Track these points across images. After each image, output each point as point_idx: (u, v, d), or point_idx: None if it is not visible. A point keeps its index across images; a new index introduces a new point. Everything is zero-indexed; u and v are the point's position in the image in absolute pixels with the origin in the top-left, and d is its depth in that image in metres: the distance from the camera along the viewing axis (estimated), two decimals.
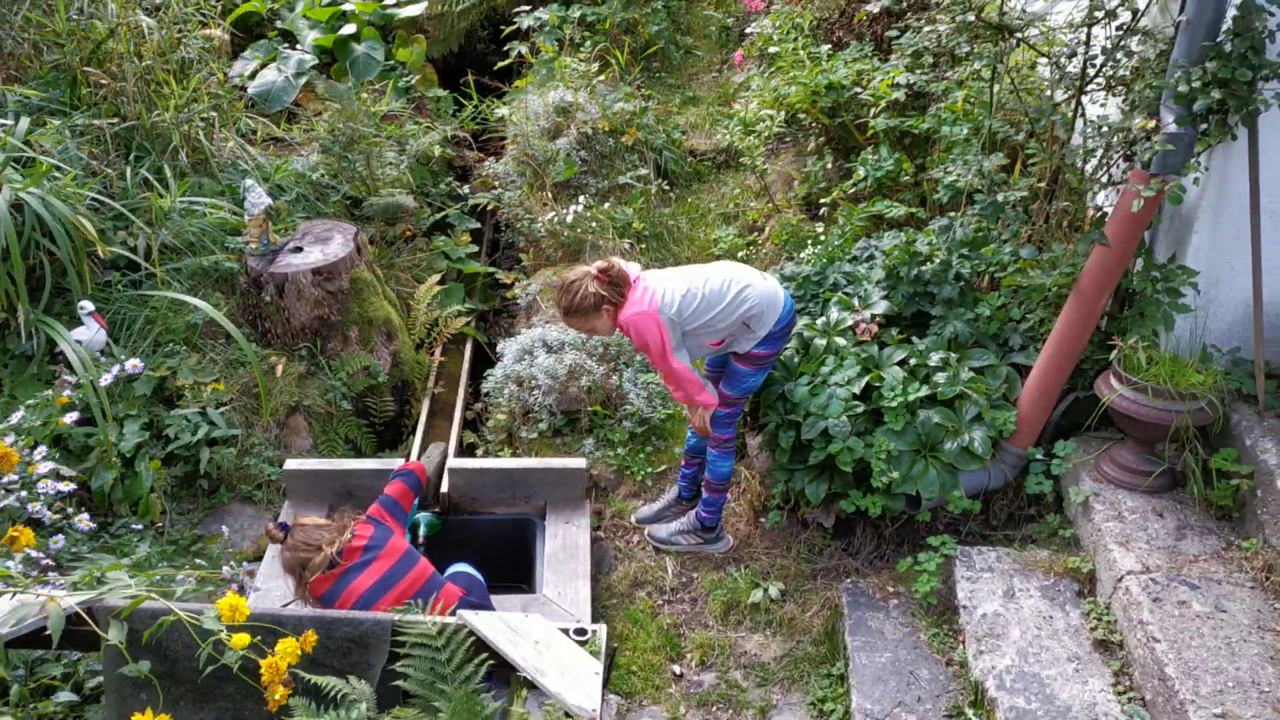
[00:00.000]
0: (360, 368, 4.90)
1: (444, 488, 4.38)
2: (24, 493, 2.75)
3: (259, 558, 4.30)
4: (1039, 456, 4.08)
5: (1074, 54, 4.07)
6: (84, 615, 2.55)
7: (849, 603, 3.87)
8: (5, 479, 2.79)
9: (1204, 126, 3.60)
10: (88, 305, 4.36)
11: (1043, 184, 4.44)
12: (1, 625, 2.30)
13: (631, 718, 3.69)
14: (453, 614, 3.09)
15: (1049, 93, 4.38)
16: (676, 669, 3.91)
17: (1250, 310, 3.89)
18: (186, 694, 3.04)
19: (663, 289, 3.85)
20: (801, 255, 4.75)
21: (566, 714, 2.81)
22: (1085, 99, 4.14)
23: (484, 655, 2.90)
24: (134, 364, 3.87)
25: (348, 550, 3.43)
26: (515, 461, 4.48)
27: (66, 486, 2.93)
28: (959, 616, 3.68)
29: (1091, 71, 4.04)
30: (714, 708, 3.73)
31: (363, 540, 3.46)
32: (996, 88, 4.48)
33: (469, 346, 5.71)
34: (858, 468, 3.98)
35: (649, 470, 4.75)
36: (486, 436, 4.98)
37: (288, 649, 2.35)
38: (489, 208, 6.10)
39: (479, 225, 6.49)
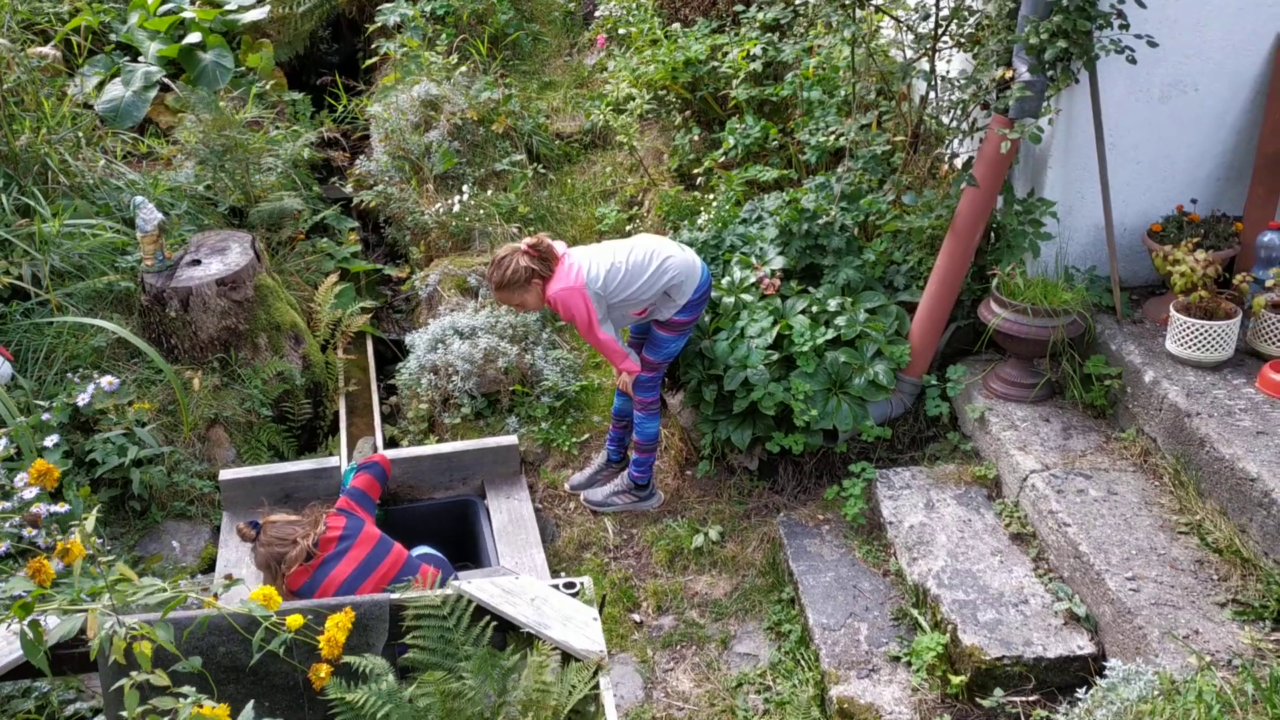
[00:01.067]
0: (275, 374, 4.92)
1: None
2: (16, 519, 2.75)
3: (205, 571, 4.31)
4: (933, 382, 4.51)
5: (928, 15, 4.49)
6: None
7: (786, 533, 4.20)
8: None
9: (1051, 73, 4.06)
10: None
11: (901, 138, 4.88)
12: (50, 640, 2.34)
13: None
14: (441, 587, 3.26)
15: (904, 53, 4.80)
16: (636, 617, 4.16)
17: (1101, 233, 4.42)
18: (190, 695, 3.10)
19: (588, 264, 4.09)
20: (699, 222, 5.03)
21: (576, 658, 3.03)
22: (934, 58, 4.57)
23: (486, 618, 3.08)
24: (109, 381, 3.83)
25: (323, 541, 3.53)
26: (450, 446, 4.62)
27: (62, 507, 2.93)
28: (886, 532, 4.07)
29: (940, 31, 4.47)
30: (678, 646, 4.00)
31: (336, 531, 3.57)
32: (858, 52, 4.86)
33: (370, 344, 5.77)
34: (778, 411, 4.31)
35: (573, 440, 4.96)
36: (407, 427, 5.08)
37: (340, 622, 2.48)
38: (369, 205, 6.14)
39: (357, 224, 6.52)
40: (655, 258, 4.12)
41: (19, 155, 5.10)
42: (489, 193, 5.98)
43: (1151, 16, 3.97)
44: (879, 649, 3.63)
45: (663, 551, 4.38)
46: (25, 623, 2.38)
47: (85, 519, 2.09)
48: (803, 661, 3.73)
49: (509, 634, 3.16)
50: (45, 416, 3.90)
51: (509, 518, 4.43)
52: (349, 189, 6.30)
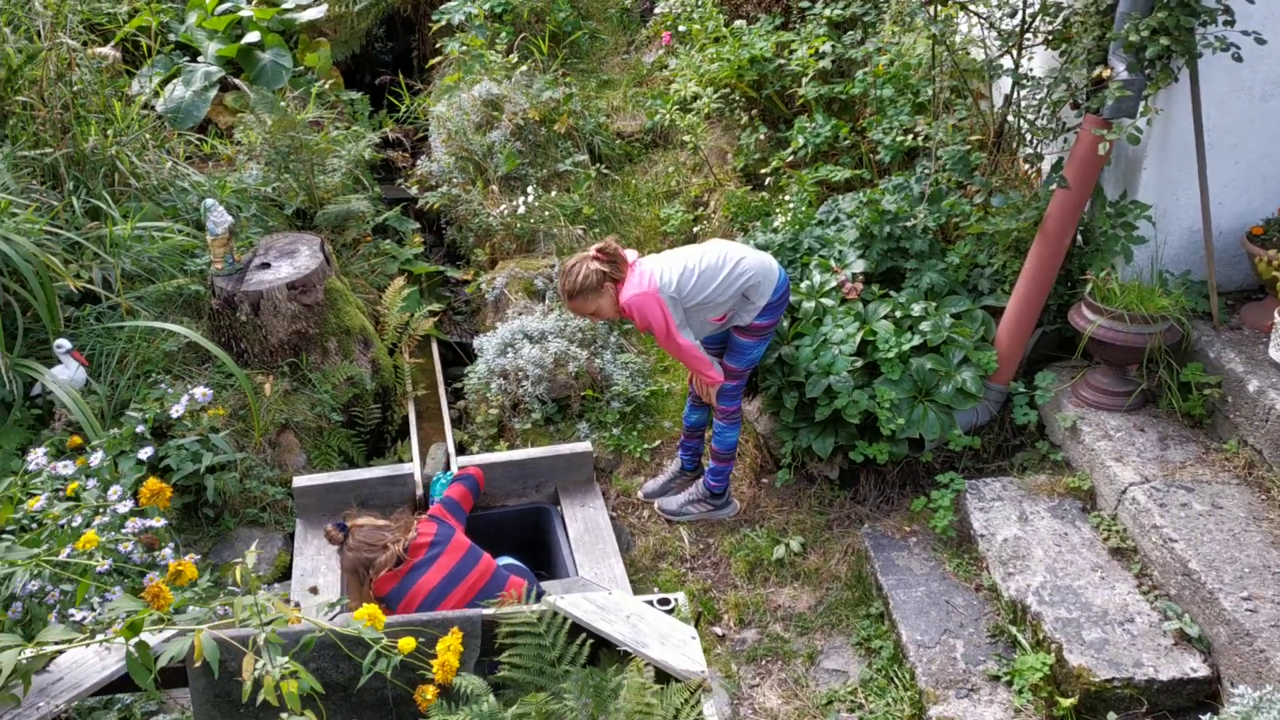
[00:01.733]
0: (345, 378, 4.87)
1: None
2: (112, 533, 2.70)
3: (279, 579, 4.26)
4: (1021, 390, 4.38)
5: (1014, 12, 4.36)
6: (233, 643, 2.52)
7: (872, 546, 4.10)
8: (96, 521, 2.73)
9: (1149, 72, 3.92)
10: (65, 344, 4.22)
11: (977, 138, 4.76)
12: (163, 659, 2.28)
13: None
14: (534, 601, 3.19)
15: (985, 51, 4.67)
16: (717, 630, 4.07)
17: (1195, 236, 4.28)
18: (274, 718, 3.05)
19: (660, 269, 4.00)
20: (774, 224, 4.93)
21: (675, 679, 2.94)
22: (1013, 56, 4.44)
23: (583, 636, 3.00)
24: (203, 392, 3.77)
25: (413, 547, 3.49)
26: (524, 452, 4.55)
27: (157, 521, 2.88)
28: (977, 545, 3.95)
29: (1026, 27, 4.33)
30: (763, 661, 3.91)
31: (427, 537, 3.53)
32: (941, 50, 4.73)
33: (435, 347, 5.71)
34: (862, 419, 4.20)
35: (644, 446, 4.88)
36: (476, 432, 5.01)
37: (452, 645, 2.41)
38: (433, 207, 6.08)
39: (418, 225, 6.46)
40: (728, 259, 4.01)
41: (87, 157, 5.07)
42: (553, 194, 5.90)
43: (1257, 12, 3.82)
44: (977, 667, 3.52)
45: (742, 562, 4.29)
46: (133, 643, 2.33)
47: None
48: (896, 679, 3.62)
49: (601, 651, 3.08)
50: (140, 429, 3.86)
51: (585, 526, 4.35)
52: (414, 190, 6.23)
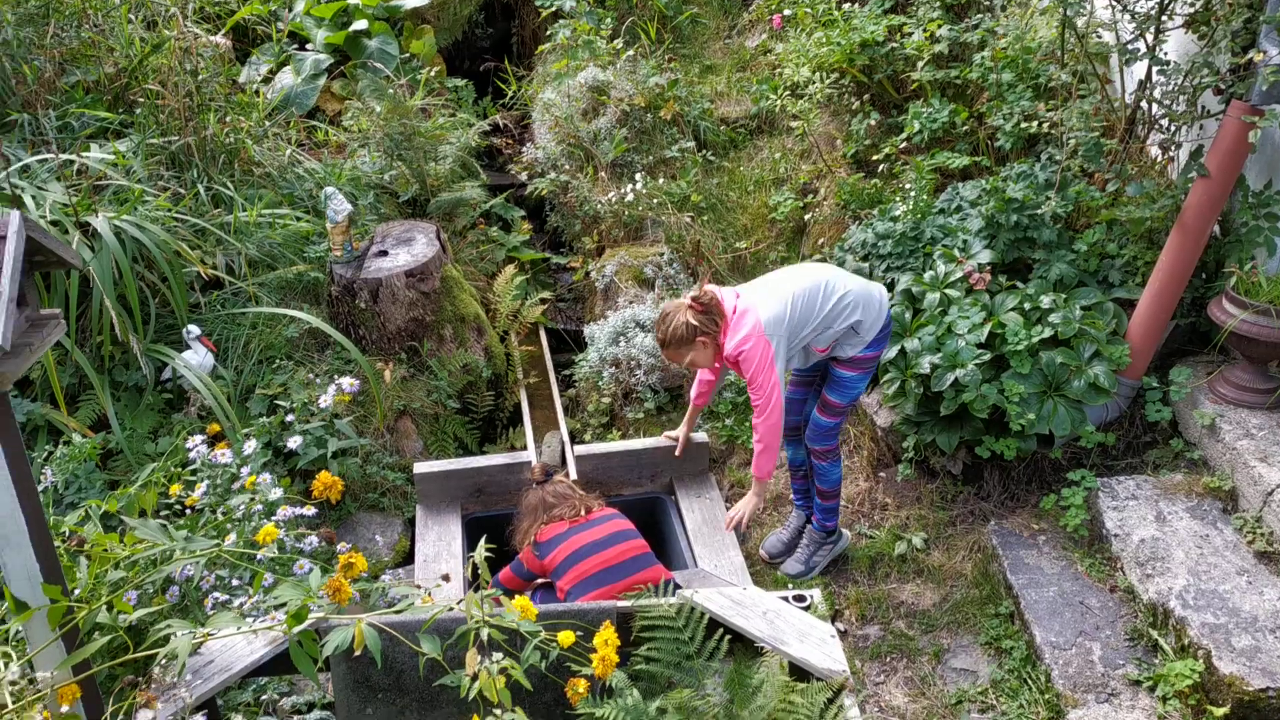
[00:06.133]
0: (461, 366, 4.90)
1: (572, 475, 4.42)
2: (264, 521, 2.74)
3: (401, 564, 4.31)
4: (1154, 385, 4.25)
5: None
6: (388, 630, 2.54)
7: (999, 543, 4.01)
8: (253, 509, 2.77)
9: None
10: (194, 329, 4.30)
11: (1101, 124, 4.60)
12: (327, 649, 2.30)
13: None
14: (670, 593, 3.18)
15: (1116, 35, 4.51)
16: (839, 626, 4.02)
17: None
18: (411, 704, 3.08)
19: (762, 307, 3.68)
20: (895, 212, 4.83)
21: (815, 676, 2.90)
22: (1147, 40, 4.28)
23: (720, 631, 2.98)
24: (350, 382, 3.83)
25: (588, 512, 3.77)
26: (639, 442, 4.53)
27: (309, 510, 2.93)
28: (1110, 545, 3.84)
29: (1163, 9, 4.17)
30: (888, 658, 3.85)
31: (600, 511, 3.79)
32: (1070, 32, 4.58)
33: (543, 335, 5.72)
34: (989, 414, 4.10)
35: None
36: (588, 421, 5.01)
37: (610, 639, 2.40)
38: (541, 193, 6.08)
39: (523, 213, 6.48)
40: (832, 290, 3.72)
41: (209, 145, 5.16)
42: (659, 181, 5.86)
43: None
44: (1116, 671, 3.42)
45: (863, 558, 4.22)
46: (296, 632, 2.36)
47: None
48: (1030, 681, 3.54)
49: (736, 646, 3.05)
50: (289, 419, 3.93)
51: (702, 518, 4.33)
52: (523, 176, 6.24)
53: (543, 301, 5.70)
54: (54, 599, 2.18)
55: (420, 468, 4.36)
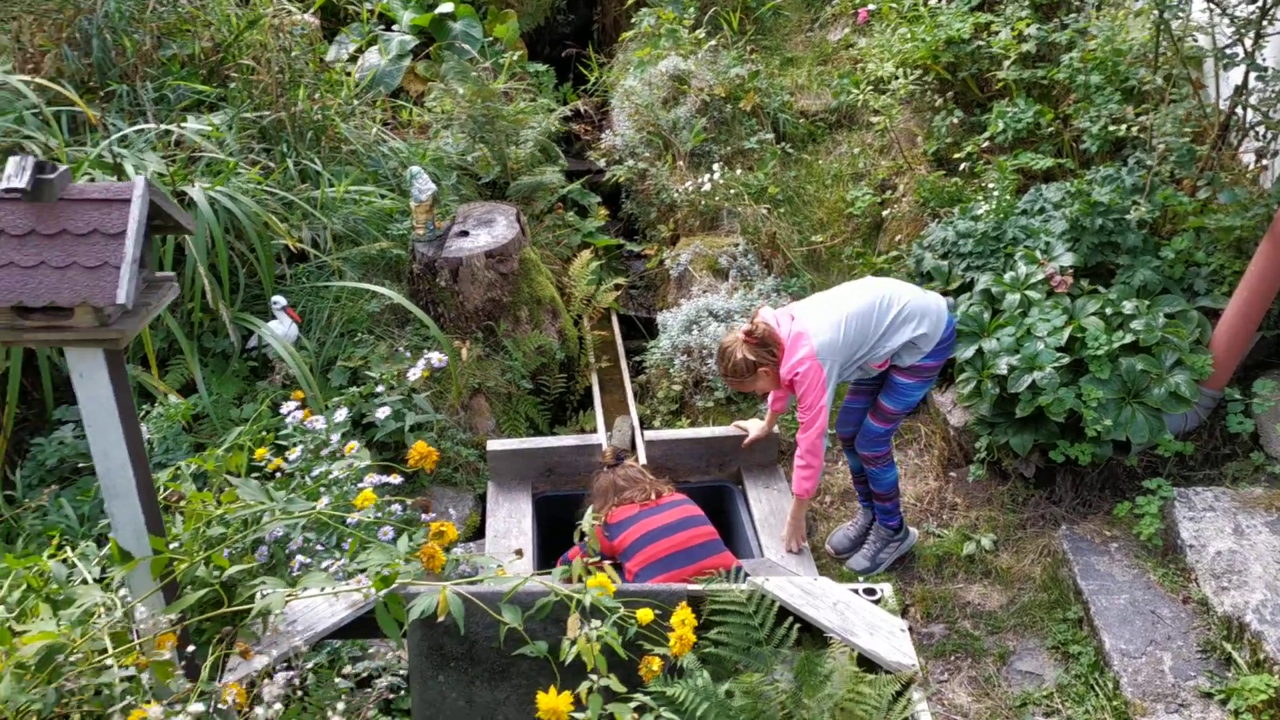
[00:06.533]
0: (535, 347, 4.96)
1: (641, 460, 4.46)
2: (353, 487, 2.83)
3: (471, 539, 4.39)
4: (1236, 397, 4.18)
5: None
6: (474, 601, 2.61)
7: (1070, 549, 3.98)
8: (343, 476, 2.86)
9: None
10: (280, 300, 4.41)
11: (1194, 130, 4.53)
12: (414, 613, 2.38)
13: None
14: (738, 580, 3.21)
15: (1213, 38, 4.43)
16: (904, 622, 4.01)
17: None
18: (482, 674, 3.14)
19: (815, 328, 3.71)
20: (977, 211, 4.80)
21: (884, 669, 2.92)
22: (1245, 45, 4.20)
23: (790, 619, 3.00)
24: (439, 358, 3.91)
25: (658, 496, 3.77)
26: (710, 430, 4.56)
27: (395, 479, 3.01)
28: (1185, 556, 3.79)
29: (1265, 13, 4.09)
30: (952, 657, 3.84)
31: (670, 496, 3.80)
32: (1163, 37, 4.51)
33: (615, 320, 5.77)
34: (1066, 418, 4.07)
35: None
36: (657, 407, 5.05)
37: (685, 618, 2.44)
38: (619, 180, 6.13)
39: (599, 199, 6.53)
40: (890, 305, 3.72)
41: (297, 121, 5.27)
42: (737, 172, 5.88)
43: None
44: (1187, 682, 3.39)
45: (930, 556, 4.22)
46: (383, 595, 2.43)
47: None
48: (1098, 688, 3.51)
49: (803, 636, 3.07)
50: (379, 390, 4.04)
51: (770, 508, 4.35)
52: (601, 162, 6.29)
53: (616, 288, 5.75)
54: (158, 550, 2.28)
55: (493, 445, 4.43)
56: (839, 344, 3.68)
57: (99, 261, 1.95)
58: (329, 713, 2.40)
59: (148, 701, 2.25)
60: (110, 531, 2.33)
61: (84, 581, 2.73)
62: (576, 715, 2.16)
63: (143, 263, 2.12)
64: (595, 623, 2.16)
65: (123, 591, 2.43)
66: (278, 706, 2.11)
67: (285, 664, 2.81)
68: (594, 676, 2.11)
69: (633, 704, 2.23)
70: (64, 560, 2.68)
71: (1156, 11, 4.44)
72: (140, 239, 2.00)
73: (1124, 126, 4.64)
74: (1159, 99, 4.62)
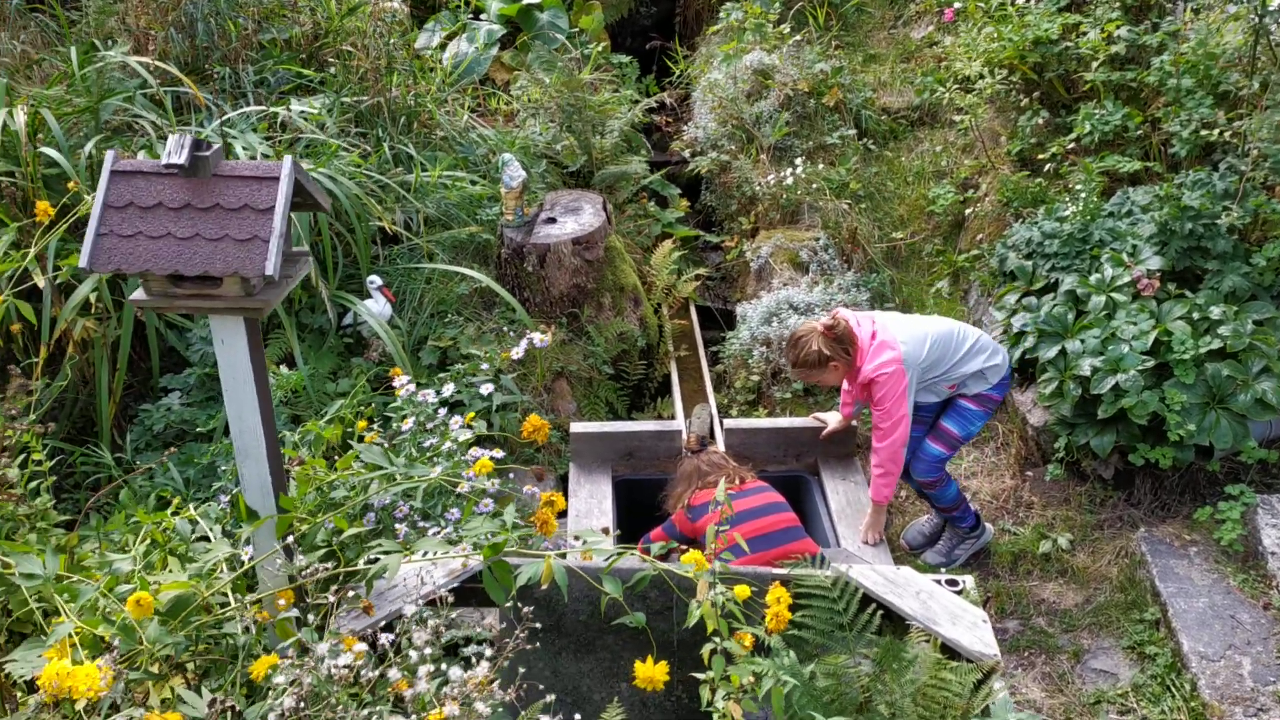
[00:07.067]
0: (617, 334, 5.07)
1: (719, 447, 4.55)
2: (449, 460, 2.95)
3: None
4: None
5: None
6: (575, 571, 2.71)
7: (1149, 551, 3.99)
8: (454, 447, 2.98)
9: None
10: (377, 279, 4.56)
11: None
12: (520, 579, 2.48)
13: None
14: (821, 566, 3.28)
15: None
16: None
17: None
18: (568, 646, 3.25)
19: (901, 336, 3.82)
20: (1064, 213, 4.81)
21: (965, 658, 2.98)
22: None
23: (873, 606, 3.07)
24: (540, 338, 4.03)
25: (740, 482, 3.87)
26: (789, 421, 4.63)
27: (498, 453, 3.13)
28: (1266, 563, 3.79)
29: None
30: (1026, 652, 3.88)
31: (752, 483, 3.89)
32: (1260, 41, 4.48)
33: (694, 310, 5.86)
34: (1148, 421, 4.08)
35: None
36: (735, 397, 5.13)
37: (782, 598, 2.52)
38: (701, 171, 6.21)
39: (680, 190, 6.62)
40: (966, 334, 3.91)
41: (391, 106, 5.42)
42: (819, 166, 5.93)
43: None
44: (1266, 687, 3.40)
45: (1005, 553, 4.25)
46: (490, 561, 2.55)
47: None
48: (1174, 689, 3.54)
49: (885, 624, 3.14)
50: (484, 367, 4.19)
51: (846, 500, 4.41)
52: (686, 154, 6.38)
53: (696, 278, 5.83)
54: (285, 509, 2.41)
55: (576, 427, 4.54)
56: (920, 358, 3.81)
57: (249, 235, 2.08)
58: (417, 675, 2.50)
59: (268, 652, 2.39)
60: (239, 491, 2.47)
61: (203, 538, 2.89)
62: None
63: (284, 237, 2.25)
64: (721, 587, 2.26)
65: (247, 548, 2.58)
66: (422, 652, 2.22)
67: (385, 628, 2.95)
68: (716, 639, 2.21)
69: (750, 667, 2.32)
70: (187, 518, 2.83)
71: (1254, 16, 4.42)
72: (286, 214, 2.12)
73: (1215, 131, 4.62)
74: (1253, 105, 4.58)
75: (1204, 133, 4.74)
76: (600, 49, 6.96)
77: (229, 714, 1.95)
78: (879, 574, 3.16)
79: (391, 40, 5.35)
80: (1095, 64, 5.50)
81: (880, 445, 3.89)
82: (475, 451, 3.02)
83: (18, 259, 3.76)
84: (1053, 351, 4.30)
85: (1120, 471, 4.35)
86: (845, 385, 4.31)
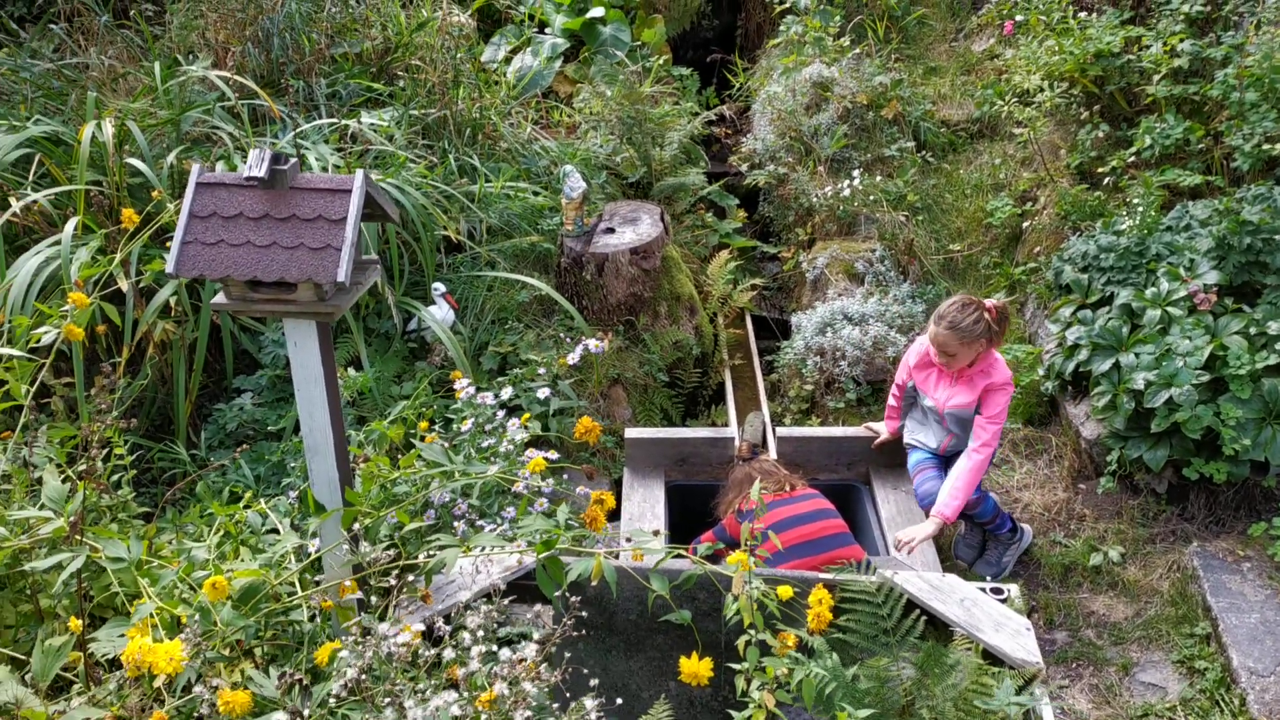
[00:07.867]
0: (673, 342, 5.17)
1: (772, 454, 4.62)
2: (505, 461, 3.07)
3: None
4: None
5: None
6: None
7: (1201, 565, 3.98)
8: (512, 448, 3.11)
9: None
10: (440, 287, 4.71)
11: None
12: (572, 575, 2.59)
13: None
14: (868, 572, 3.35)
15: None
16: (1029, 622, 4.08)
17: None
18: (618, 644, 3.34)
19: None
20: (1121, 226, 4.82)
21: (1008, 666, 3.02)
22: None
23: (916, 612, 3.13)
24: (596, 344, 4.16)
25: (790, 488, 3.96)
26: (840, 430, 4.69)
27: (553, 455, 3.25)
28: None
29: None
30: (1073, 664, 3.90)
31: (802, 490, 3.97)
32: None
33: (749, 320, 5.94)
34: (1202, 435, 4.07)
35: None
36: (789, 405, 5.20)
37: (823, 597, 2.60)
38: (760, 184, 6.29)
39: (737, 201, 6.70)
40: None
41: (457, 118, 5.59)
42: (876, 179, 5.98)
43: None
44: None
45: (1055, 565, 4.27)
46: (544, 557, 2.66)
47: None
48: (1223, 704, 3.54)
49: (928, 630, 3.19)
50: (541, 372, 4.33)
51: (897, 509, 4.45)
52: (744, 166, 6.47)
53: (752, 288, 5.92)
54: (351, 502, 2.55)
55: (631, 433, 4.65)
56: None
57: (323, 244, 2.21)
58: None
59: (332, 639, 2.53)
60: (307, 485, 2.61)
61: (272, 530, 3.05)
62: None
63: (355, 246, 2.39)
64: (757, 582, 2.35)
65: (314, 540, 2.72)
66: (475, 634, 2.34)
67: (444, 618, 3.08)
68: (751, 631, 2.30)
69: (785, 660, 2.40)
70: (259, 511, 2.99)
71: None
72: (358, 224, 2.26)
73: (1278, 145, 4.59)
74: None
75: (1266, 147, 4.72)
76: (661, 62, 7.08)
77: (297, 686, 2.08)
78: (923, 580, 3.22)
79: (458, 54, 5.52)
80: (1157, 77, 5.49)
81: (977, 460, 3.93)
82: (531, 452, 3.14)
83: (104, 264, 3.96)
84: (1106, 364, 4.31)
85: (1174, 485, 4.34)
86: (891, 403, 4.39)
